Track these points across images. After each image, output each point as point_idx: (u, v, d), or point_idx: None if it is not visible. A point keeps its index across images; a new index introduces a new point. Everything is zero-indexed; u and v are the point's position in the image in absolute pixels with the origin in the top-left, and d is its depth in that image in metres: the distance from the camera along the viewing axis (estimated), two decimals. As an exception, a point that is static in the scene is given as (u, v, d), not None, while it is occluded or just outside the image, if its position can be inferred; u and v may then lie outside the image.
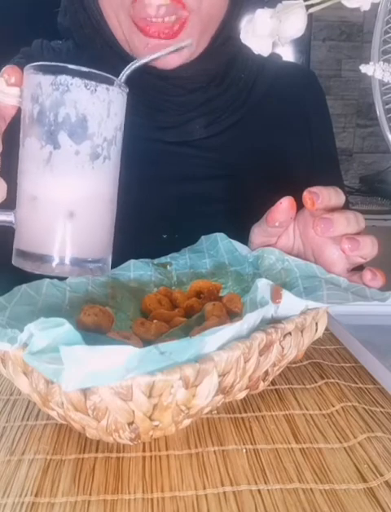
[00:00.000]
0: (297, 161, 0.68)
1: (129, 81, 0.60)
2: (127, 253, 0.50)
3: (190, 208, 0.62)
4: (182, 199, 0.63)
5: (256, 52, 0.36)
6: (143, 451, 0.34)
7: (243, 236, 0.52)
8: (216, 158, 0.64)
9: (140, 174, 0.63)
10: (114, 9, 0.57)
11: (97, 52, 0.61)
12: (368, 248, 0.44)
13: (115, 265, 0.49)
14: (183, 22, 0.55)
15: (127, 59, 0.60)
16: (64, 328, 0.29)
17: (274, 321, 0.37)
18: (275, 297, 0.36)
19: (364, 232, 0.45)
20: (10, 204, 0.38)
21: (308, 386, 0.41)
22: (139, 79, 0.60)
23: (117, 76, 0.60)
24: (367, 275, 0.44)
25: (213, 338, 0.32)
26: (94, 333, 0.38)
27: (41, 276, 0.43)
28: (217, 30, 0.60)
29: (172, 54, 0.55)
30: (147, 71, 0.59)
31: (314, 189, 0.44)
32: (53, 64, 0.35)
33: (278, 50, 0.75)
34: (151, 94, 0.61)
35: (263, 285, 0.37)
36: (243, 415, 0.38)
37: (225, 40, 0.61)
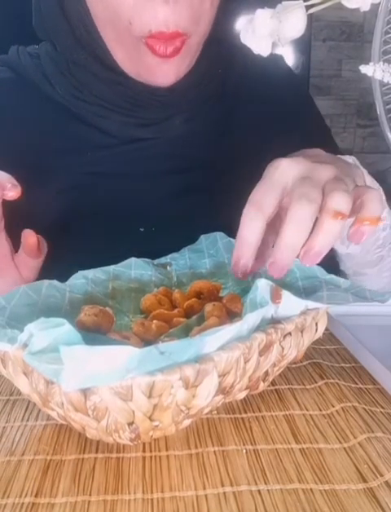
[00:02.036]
0: (274, 152, 0.68)
1: (114, 81, 0.60)
2: (106, 247, 0.51)
3: (167, 201, 0.63)
4: (159, 193, 0.63)
5: (255, 52, 0.36)
6: (143, 451, 0.34)
7: (221, 228, 0.54)
8: (192, 153, 0.65)
9: (117, 170, 0.63)
10: (118, 34, 0.55)
11: (79, 61, 0.60)
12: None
13: (94, 260, 0.49)
14: (184, 40, 0.55)
15: (116, 69, 0.59)
16: (64, 328, 0.29)
17: (274, 321, 0.37)
18: (275, 297, 0.36)
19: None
20: None
21: (308, 387, 0.41)
22: (125, 82, 0.60)
23: (100, 78, 0.60)
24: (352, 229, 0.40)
25: (213, 338, 0.32)
26: (94, 333, 0.38)
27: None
28: (206, 40, 0.61)
29: (169, 70, 0.55)
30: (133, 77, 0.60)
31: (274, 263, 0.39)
32: None
33: (279, 51, 0.75)
34: (137, 93, 0.61)
35: (263, 285, 0.37)
36: (243, 415, 0.38)
37: (211, 47, 0.61)
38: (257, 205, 0.40)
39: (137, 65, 0.58)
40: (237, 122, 0.68)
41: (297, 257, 0.39)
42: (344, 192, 0.39)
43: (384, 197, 0.46)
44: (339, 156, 0.49)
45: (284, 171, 0.41)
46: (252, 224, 0.40)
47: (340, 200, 0.38)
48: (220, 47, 0.63)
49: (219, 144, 0.66)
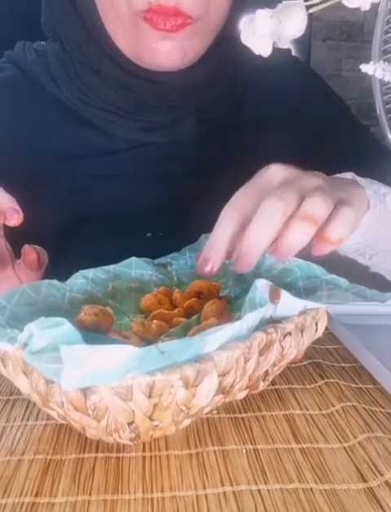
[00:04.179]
0: (284, 153, 0.68)
1: (122, 85, 0.60)
2: (111, 252, 0.50)
3: (174, 205, 0.62)
4: (167, 197, 0.63)
5: (256, 53, 0.36)
6: (143, 451, 0.34)
7: None
8: (200, 156, 0.64)
9: (123, 174, 0.63)
10: (120, 17, 0.55)
11: (87, 59, 0.60)
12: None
13: (99, 263, 0.49)
14: (186, 23, 0.54)
15: (124, 65, 0.59)
16: (64, 327, 0.29)
17: (274, 321, 0.37)
18: (274, 297, 0.36)
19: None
20: None
21: (308, 386, 0.41)
22: (134, 84, 0.60)
23: (108, 83, 0.60)
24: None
25: (213, 338, 0.32)
26: (94, 332, 0.38)
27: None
28: (217, 36, 0.60)
29: (171, 48, 0.54)
30: (143, 77, 0.59)
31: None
32: None
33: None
34: (145, 98, 0.61)
35: (262, 285, 0.37)
36: (243, 415, 0.38)
37: (222, 43, 0.61)
38: (235, 206, 0.40)
39: (137, 46, 0.56)
40: (246, 124, 0.67)
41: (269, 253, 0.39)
42: (320, 198, 0.38)
43: (355, 219, 0.41)
44: (338, 175, 0.47)
45: (272, 175, 0.41)
46: (227, 225, 0.40)
47: (314, 205, 0.38)
48: (229, 47, 0.61)
49: (228, 146, 0.66)
